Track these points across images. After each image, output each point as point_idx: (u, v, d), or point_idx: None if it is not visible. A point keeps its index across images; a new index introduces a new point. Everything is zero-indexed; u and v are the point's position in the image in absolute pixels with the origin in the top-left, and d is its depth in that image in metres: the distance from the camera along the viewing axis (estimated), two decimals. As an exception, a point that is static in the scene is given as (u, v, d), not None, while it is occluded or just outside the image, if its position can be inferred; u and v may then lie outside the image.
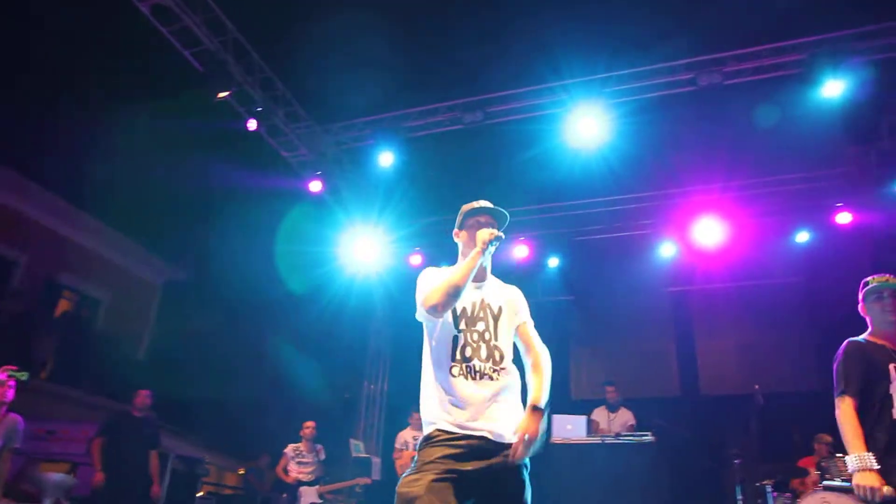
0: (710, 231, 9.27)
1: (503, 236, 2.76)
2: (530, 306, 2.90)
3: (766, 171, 9.45)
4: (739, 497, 6.41)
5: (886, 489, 2.75)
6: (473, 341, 2.66)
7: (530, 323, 2.84)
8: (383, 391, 11.64)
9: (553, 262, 10.61)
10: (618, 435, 6.92)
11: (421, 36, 7.81)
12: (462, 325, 2.69)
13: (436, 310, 2.62)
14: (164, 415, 10.06)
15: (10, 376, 5.39)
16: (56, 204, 11.49)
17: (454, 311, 2.71)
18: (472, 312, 2.72)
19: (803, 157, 9.10)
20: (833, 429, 7.27)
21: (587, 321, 11.05)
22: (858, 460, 2.87)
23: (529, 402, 2.59)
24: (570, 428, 6.79)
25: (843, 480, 6.35)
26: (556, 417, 6.88)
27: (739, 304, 10.34)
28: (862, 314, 3.38)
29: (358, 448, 9.81)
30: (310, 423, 8.23)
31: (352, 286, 10.79)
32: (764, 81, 7.63)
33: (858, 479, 2.83)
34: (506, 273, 2.98)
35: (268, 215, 11.20)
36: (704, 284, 10.61)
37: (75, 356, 11.04)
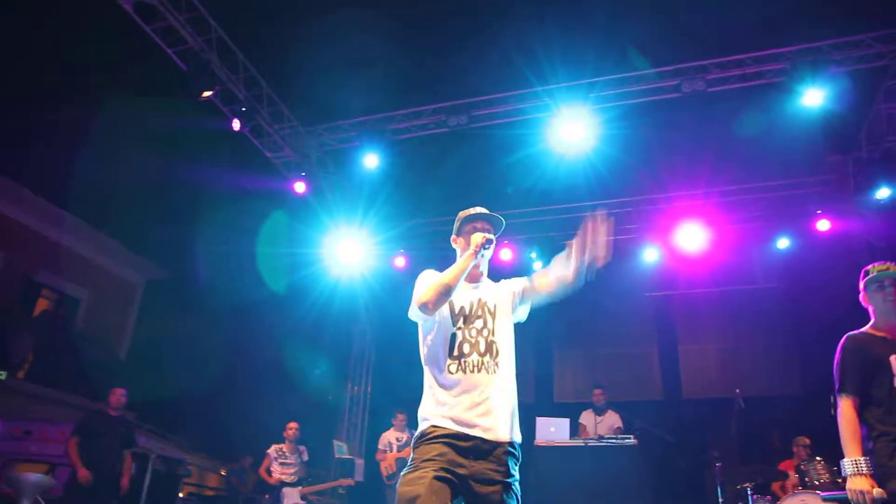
0: (692, 236, 9.38)
1: (493, 238, 2.80)
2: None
3: (748, 178, 9.59)
4: (720, 499, 6.48)
5: (877, 492, 2.77)
6: (471, 337, 2.69)
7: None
8: (367, 393, 11.63)
9: (537, 265, 10.65)
10: (601, 438, 6.97)
11: (407, 39, 7.80)
12: (460, 324, 2.73)
13: (427, 307, 2.66)
14: (145, 415, 10.01)
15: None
16: (35, 202, 11.33)
17: (452, 311, 2.76)
18: (470, 311, 2.76)
19: (784, 165, 9.24)
20: (812, 432, 7.39)
21: (571, 325, 11.09)
22: (852, 465, 2.87)
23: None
24: (554, 430, 6.81)
25: (821, 483, 6.48)
26: (540, 420, 6.91)
27: (721, 309, 10.48)
28: (863, 304, 3.26)
29: (341, 449, 9.80)
30: (293, 425, 8.21)
31: (336, 288, 10.78)
32: (747, 89, 7.73)
33: (851, 484, 2.84)
34: (490, 276, 3.01)
35: (251, 216, 11.14)
36: (687, 289, 10.72)
37: (54, 356, 10.92)
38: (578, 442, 6.85)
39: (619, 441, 6.68)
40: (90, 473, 6.34)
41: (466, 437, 2.50)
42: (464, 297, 2.80)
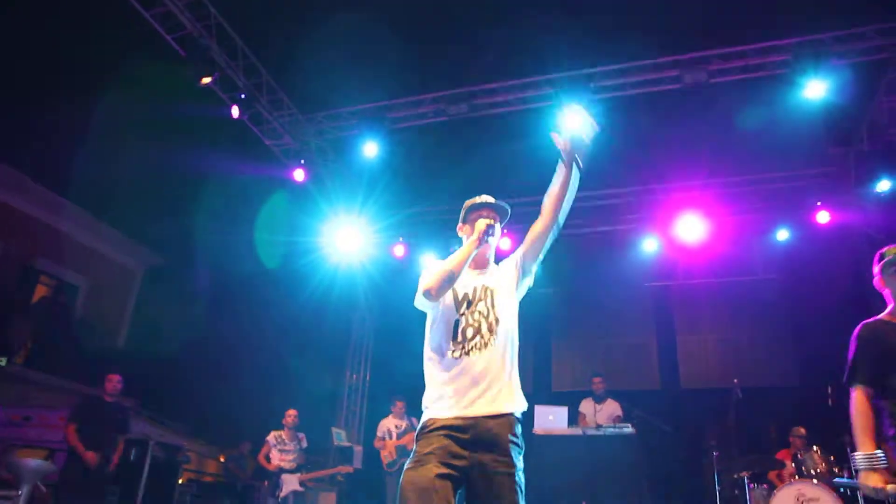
0: (691, 227, 9.38)
1: (494, 224, 2.82)
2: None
3: (749, 169, 9.57)
4: (717, 488, 6.51)
5: (891, 487, 2.67)
6: (474, 320, 2.69)
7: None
8: (365, 380, 11.67)
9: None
10: (599, 426, 7.00)
11: (407, 27, 7.74)
12: (463, 309, 2.73)
13: (430, 294, 2.68)
14: (143, 402, 10.03)
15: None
16: (34, 189, 11.31)
17: (456, 297, 2.76)
18: (474, 297, 2.76)
19: (785, 157, 9.22)
20: (808, 422, 7.42)
21: (569, 314, 11.14)
22: (866, 460, 2.74)
23: None
24: (552, 419, 6.84)
25: (818, 473, 6.51)
26: (538, 408, 6.93)
27: (720, 300, 10.50)
28: (878, 288, 3.06)
29: (340, 437, 9.83)
30: (291, 412, 8.24)
31: (335, 276, 10.78)
32: (748, 81, 7.70)
33: (864, 480, 2.73)
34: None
35: (251, 203, 11.12)
36: (685, 280, 10.74)
37: (53, 342, 10.93)
38: (576, 430, 6.89)
39: (616, 430, 6.71)
40: (82, 460, 6.38)
41: (466, 427, 2.49)
42: (469, 283, 2.80)
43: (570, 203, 2.84)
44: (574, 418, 7.69)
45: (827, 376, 7.21)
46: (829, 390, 6.38)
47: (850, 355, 2.96)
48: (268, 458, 8.02)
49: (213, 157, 9.91)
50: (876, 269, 3.03)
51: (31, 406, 8.50)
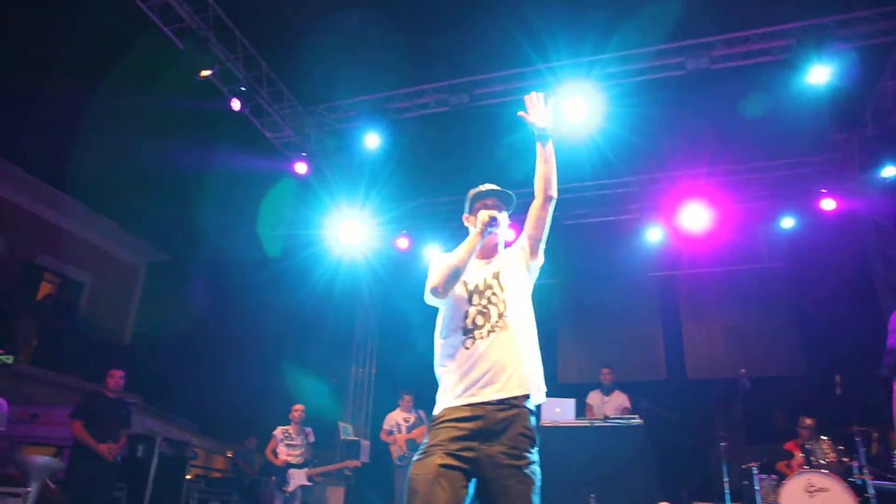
0: (696, 216, 9.33)
1: (497, 215, 2.78)
2: None
3: (753, 156, 9.50)
4: (726, 479, 6.48)
5: None
6: (483, 307, 2.66)
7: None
8: (371, 374, 11.65)
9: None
10: (606, 418, 6.97)
11: (407, 17, 7.68)
12: (474, 300, 2.69)
13: (437, 291, 2.66)
14: (150, 398, 10.04)
15: (-7, 360, 5.33)
16: (35, 185, 11.29)
17: (466, 288, 2.72)
18: (483, 286, 2.73)
19: (789, 143, 9.15)
20: (815, 412, 7.36)
21: (574, 305, 11.08)
22: None
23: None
24: (559, 411, 6.82)
25: (827, 462, 6.48)
26: (545, 400, 6.90)
27: (725, 289, 10.43)
28: None
29: (347, 431, 9.83)
30: (299, 406, 8.23)
31: (338, 269, 10.75)
32: (751, 66, 7.62)
33: None
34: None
35: (253, 197, 11.09)
36: (690, 269, 10.68)
37: (58, 339, 10.93)
38: (584, 422, 6.86)
39: (624, 421, 6.69)
40: (86, 456, 6.36)
41: (474, 417, 2.45)
42: (477, 274, 2.77)
43: (555, 174, 2.89)
44: (581, 410, 7.66)
45: (834, 364, 7.17)
46: (838, 379, 6.34)
47: (891, 343, 2.85)
48: (275, 453, 8.02)
49: (214, 150, 9.88)
50: None
51: (37, 403, 8.50)
